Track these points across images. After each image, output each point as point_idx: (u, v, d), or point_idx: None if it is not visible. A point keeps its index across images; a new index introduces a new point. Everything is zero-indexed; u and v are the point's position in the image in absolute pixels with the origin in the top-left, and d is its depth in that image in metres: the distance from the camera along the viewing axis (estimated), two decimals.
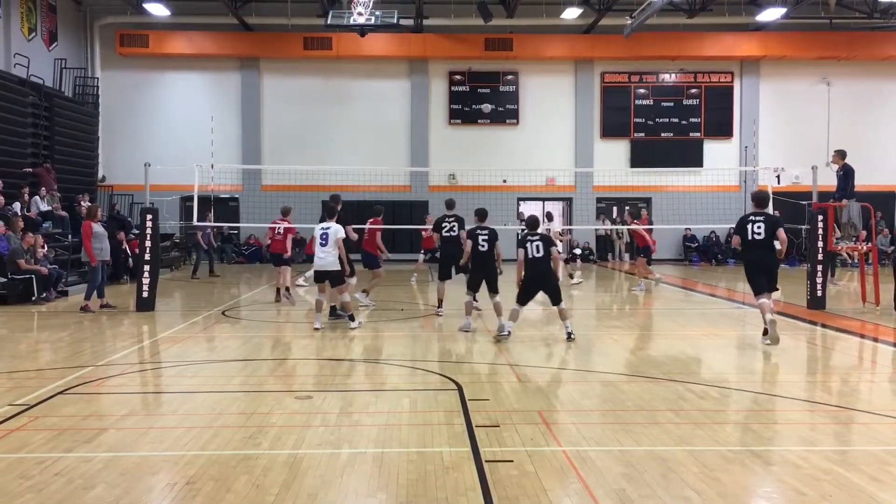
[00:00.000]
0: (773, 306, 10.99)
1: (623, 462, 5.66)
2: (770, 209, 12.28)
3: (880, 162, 27.70)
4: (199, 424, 6.67)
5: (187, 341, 11.24)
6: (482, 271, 11.79)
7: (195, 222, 18.43)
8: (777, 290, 11.33)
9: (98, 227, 14.39)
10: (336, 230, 11.93)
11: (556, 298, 11.04)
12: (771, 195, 13.86)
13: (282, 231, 15.75)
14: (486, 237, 11.73)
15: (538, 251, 10.80)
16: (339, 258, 11.89)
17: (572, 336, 10.92)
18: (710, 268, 26.79)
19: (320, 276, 12.24)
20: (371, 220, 15.01)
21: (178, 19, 26.81)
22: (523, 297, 11.06)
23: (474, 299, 12.20)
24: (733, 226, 11.66)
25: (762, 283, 10.79)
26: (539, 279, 10.93)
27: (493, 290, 11.76)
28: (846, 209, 15.32)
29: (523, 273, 10.90)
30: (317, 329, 11.88)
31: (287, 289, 15.70)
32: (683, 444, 6.11)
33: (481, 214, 12.50)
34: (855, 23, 27.31)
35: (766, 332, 10.70)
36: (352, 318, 12.15)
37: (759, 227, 10.67)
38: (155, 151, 25.23)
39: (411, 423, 6.73)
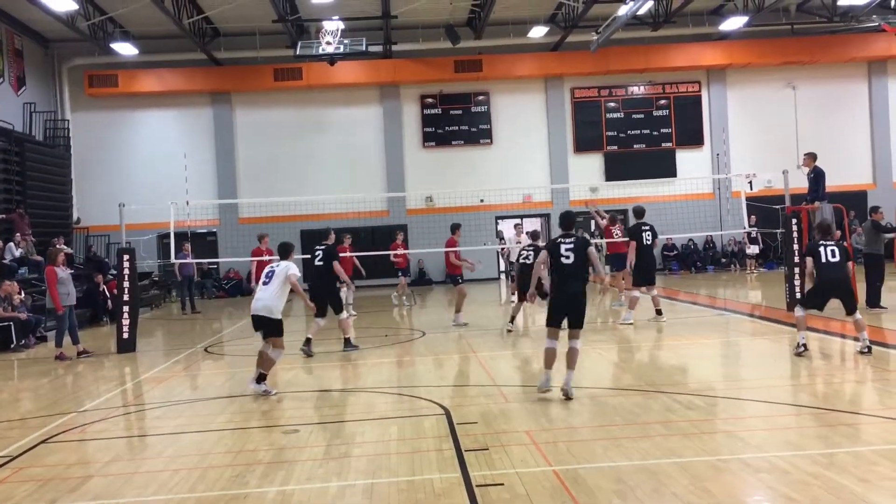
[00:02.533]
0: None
1: (614, 478, 5.66)
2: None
3: (849, 162, 28.14)
4: (185, 466, 6.60)
5: (170, 381, 11.13)
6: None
7: (176, 259, 18.36)
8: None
9: (62, 272, 13.77)
10: (287, 266, 9.76)
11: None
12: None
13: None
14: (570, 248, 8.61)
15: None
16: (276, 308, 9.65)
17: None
18: (690, 275, 26.96)
19: (255, 323, 9.77)
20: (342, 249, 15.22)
21: (146, 58, 26.78)
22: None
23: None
24: (709, 233, 11.83)
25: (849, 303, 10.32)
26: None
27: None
28: (819, 211, 15.51)
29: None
30: (266, 393, 9.45)
31: None
32: (673, 457, 6.12)
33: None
34: (816, 27, 27.80)
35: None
36: (260, 380, 9.56)
37: (832, 252, 10.27)
38: (129, 190, 25.12)
39: (400, 452, 6.70)
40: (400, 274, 19.91)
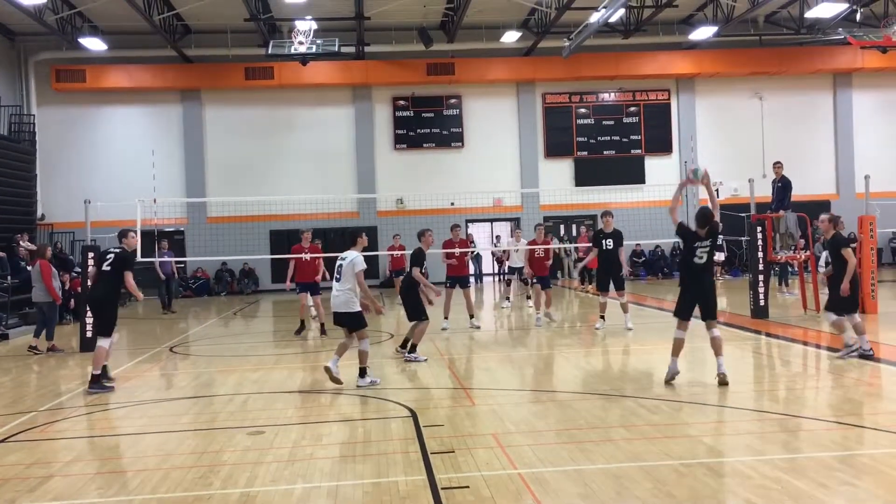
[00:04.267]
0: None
1: (578, 482, 5.70)
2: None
3: (814, 172, 28.61)
4: (148, 466, 6.52)
5: (135, 380, 11.00)
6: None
7: (156, 258, 18.10)
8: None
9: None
10: (353, 261, 9.68)
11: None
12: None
13: (308, 258, 14.73)
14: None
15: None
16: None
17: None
18: (657, 281, 27.22)
19: (336, 319, 9.89)
20: (298, 248, 14.89)
21: (115, 53, 26.47)
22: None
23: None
24: (677, 240, 11.89)
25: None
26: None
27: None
28: (783, 220, 15.77)
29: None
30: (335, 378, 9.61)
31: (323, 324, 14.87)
32: (637, 460, 6.18)
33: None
34: (783, 39, 28.27)
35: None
36: (362, 374, 9.80)
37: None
38: (95, 187, 24.79)
39: (366, 454, 6.68)
40: (392, 274, 19.69)
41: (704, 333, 11.63)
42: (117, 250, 10.28)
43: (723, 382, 8.86)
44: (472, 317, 14.98)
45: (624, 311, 14.27)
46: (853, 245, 16.05)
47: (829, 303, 10.71)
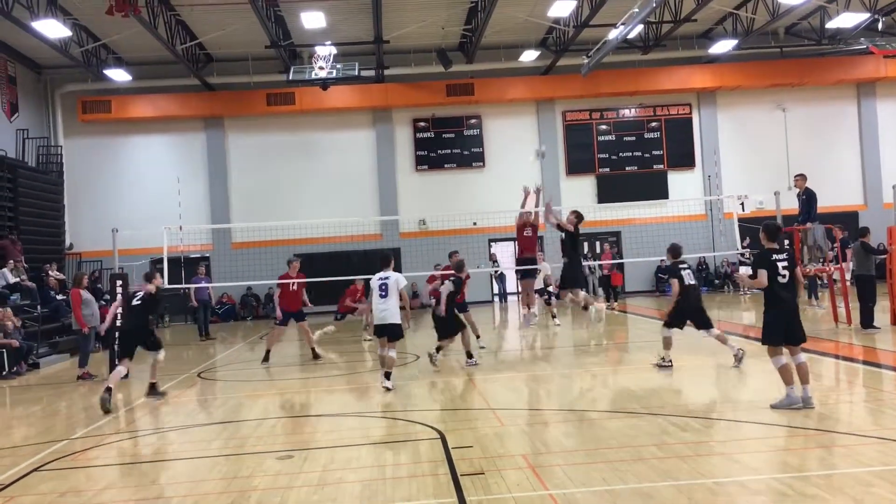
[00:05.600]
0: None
1: (610, 502, 5.64)
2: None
3: (839, 183, 28.31)
4: (179, 493, 6.54)
5: (164, 407, 11.05)
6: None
7: (190, 284, 18.27)
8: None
9: (86, 294, 14.36)
10: (397, 279, 11.16)
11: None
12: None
13: (295, 286, 14.99)
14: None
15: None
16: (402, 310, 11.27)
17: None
18: None
19: (380, 331, 11.26)
20: (286, 276, 14.96)
21: (139, 83, 26.90)
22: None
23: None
24: (702, 254, 11.92)
25: None
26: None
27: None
28: (811, 232, 15.58)
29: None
30: (388, 389, 10.76)
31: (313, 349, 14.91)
32: (669, 479, 6.09)
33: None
34: (805, 50, 28.12)
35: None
36: (387, 377, 10.97)
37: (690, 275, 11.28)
38: (122, 216, 25.08)
39: (395, 477, 6.66)
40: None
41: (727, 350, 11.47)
42: (143, 292, 11.53)
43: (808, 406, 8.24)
44: (477, 337, 14.96)
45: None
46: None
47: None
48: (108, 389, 10.64)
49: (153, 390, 11.63)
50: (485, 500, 5.86)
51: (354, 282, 18.18)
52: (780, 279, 8.24)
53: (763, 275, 8.20)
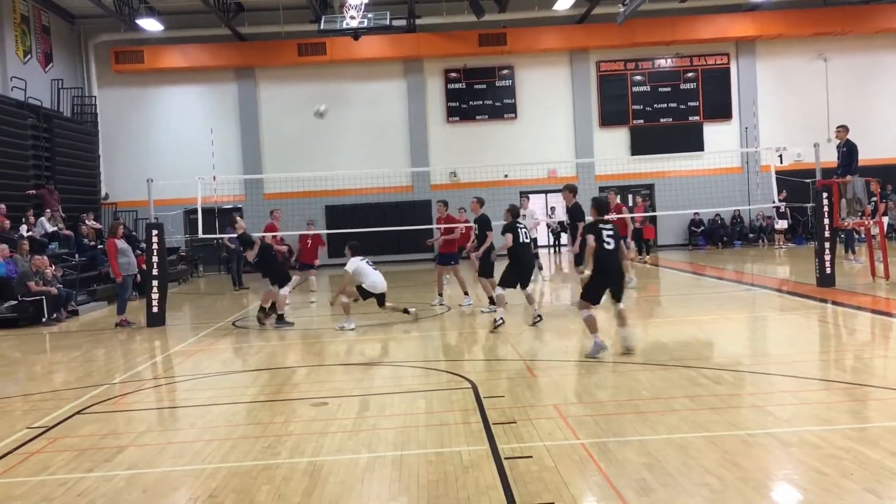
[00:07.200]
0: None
1: (642, 452, 5.67)
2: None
3: (881, 135, 27.59)
4: (217, 437, 6.70)
5: (200, 354, 11.27)
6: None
7: (225, 235, 18.90)
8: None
9: (122, 243, 14.55)
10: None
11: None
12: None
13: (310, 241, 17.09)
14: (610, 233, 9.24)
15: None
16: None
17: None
18: (717, 251, 26.74)
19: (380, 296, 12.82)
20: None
21: (171, 33, 26.86)
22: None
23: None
24: (737, 208, 11.69)
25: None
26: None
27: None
28: (850, 185, 15.28)
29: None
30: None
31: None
32: (701, 431, 6.10)
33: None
34: None
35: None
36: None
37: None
38: (156, 166, 25.31)
39: (428, 424, 6.75)
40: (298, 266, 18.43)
41: (768, 305, 11.42)
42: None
43: None
44: (465, 294, 14.81)
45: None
46: None
47: None
48: (262, 309, 13.46)
49: (282, 319, 13.27)
50: (517, 447, 5.92)
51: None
52: (606, 246, 9.10)
53: (591, 239, 9.14)
